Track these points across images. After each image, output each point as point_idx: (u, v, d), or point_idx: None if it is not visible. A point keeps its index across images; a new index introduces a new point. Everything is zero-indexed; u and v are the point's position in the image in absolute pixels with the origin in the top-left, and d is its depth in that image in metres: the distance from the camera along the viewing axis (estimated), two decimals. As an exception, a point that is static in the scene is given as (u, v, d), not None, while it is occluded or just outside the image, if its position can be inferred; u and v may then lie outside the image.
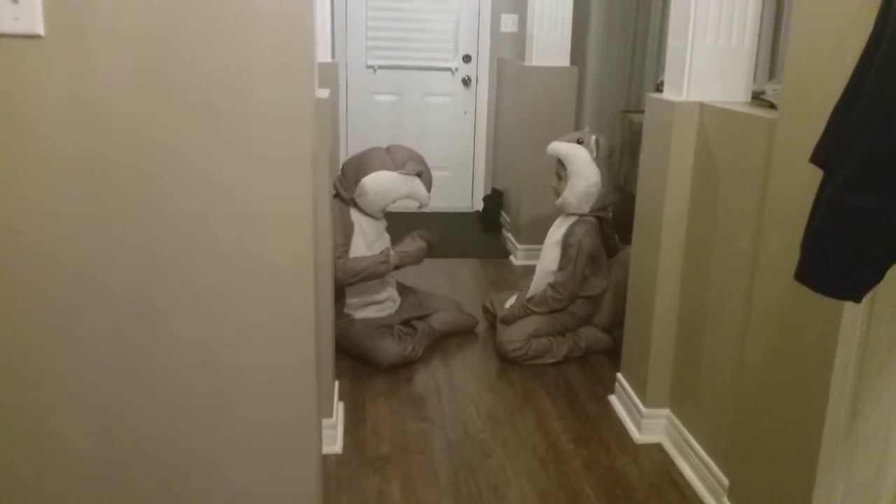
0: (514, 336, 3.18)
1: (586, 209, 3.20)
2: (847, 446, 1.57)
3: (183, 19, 1.36)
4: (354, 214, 3.16)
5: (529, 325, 3.20)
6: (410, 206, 3.27)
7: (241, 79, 1.41)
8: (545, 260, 3.28)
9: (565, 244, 3.18)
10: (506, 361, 3.18)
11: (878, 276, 1.21)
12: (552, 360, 3.17)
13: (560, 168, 3.25)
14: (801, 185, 1.63)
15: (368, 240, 3.18)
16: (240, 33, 1.39)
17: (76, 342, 1.48)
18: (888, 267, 1.21)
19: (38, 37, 1.32)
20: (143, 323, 1.48)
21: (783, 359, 1.79)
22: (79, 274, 1.45)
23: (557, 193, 3.26)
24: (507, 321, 3.26)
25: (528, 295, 3.28)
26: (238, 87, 1.41)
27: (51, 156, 1.39)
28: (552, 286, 3.18)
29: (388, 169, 3.12)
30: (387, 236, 3.30)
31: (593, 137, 3.18)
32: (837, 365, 1.57)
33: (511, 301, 3.37)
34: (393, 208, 3.24)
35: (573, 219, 3.22)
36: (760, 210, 1.94)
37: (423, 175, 3.21)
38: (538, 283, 3.28)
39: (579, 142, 3.20)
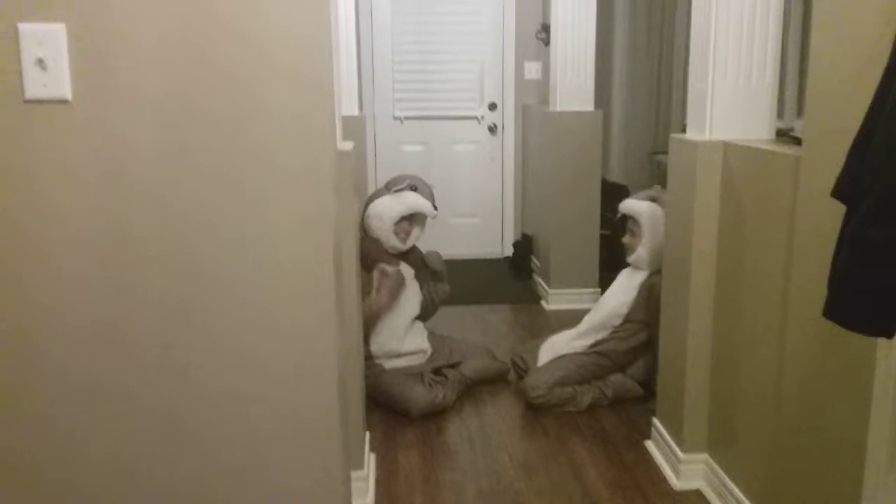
0: (538, 383, 3.14)
1: (658, 266, 3.13)
2: (889, 489, 1.51)
3: (202, 84, 1.39)
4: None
5: (557, 371, 3.16)
6: (429, 231, 3.33)
7: (262, 140, 1.43)
8: (613, 304, 3.25)
9: (651, 296, 3.11)
10: (529, 407, 3.14)
11: (907, 311, 1.18)
12: (573, 409, 3.12)
13: (633, 224, 3.26)
14: (828, 220, 1.61)
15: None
16: (259, 96, 1.41)
17: (98, 393, 1.49)
18: (918, 301, 1.18)
19: (65, 101, 1.37)
20: (167, 375, 1.50)
21: (819, 399, 1.74)
22: (103, 332, 1.47)
23: (631, 250, 3.26)
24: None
25: (592, 339, 3.24)
26: (259, 148, 1.43)
27: (74, 216, 1.42)
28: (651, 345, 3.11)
29: (382, 195, 3.24)
30: (416, 285, 3.31)
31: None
32: (875, 405, 1.52)
33: (550, 345, 3.33)
34: (419, 242, 3.30)
35: (646, 271, 3.22)
36: (789, 247, 1.91)
37: (420, 189, 3.23)
38: (604, 324, 3.25)
39: (653, 199, 3.22)
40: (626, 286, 3.26)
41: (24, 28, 1.33)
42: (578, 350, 3.23)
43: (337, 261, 1.57)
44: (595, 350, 3.21)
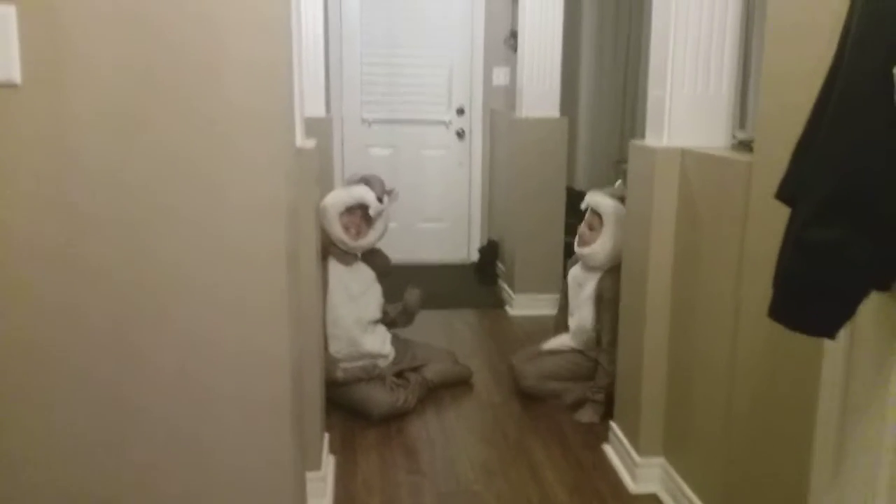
0: (529, 373, 3.24)
1: (609, 265, 3.14)
2: (835, 487, 1.54)
3: (159, 65, 1.39)
4: (332, 266, 3.16)
5: (550, 364, 3.24)
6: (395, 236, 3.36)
7: (218, 125, 1.43)
8: (580, 317, 3.25)
9: (600, 300, 3.13)
10: (490, 412, 3.18)
11: (848, 311, 1.21)
12: (562, 403, 3.19)
13: (595, 219, 3.18)
14: (778, 225, 1.62)
15: (352, 291, 3.17)
16: (215, 80, 1.41)
17: (51, 371, 1.48)
18: (858, 302, 1.20)
19: (14, 85, 1.35)
20: (121, 354, 1.49)
21: (769, 402, 1.77)
22: (55, 309, 1.46)
23: (585, 243, 3.19)
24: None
25: (580, 344, 3.27)
26: (214, 132, 1.43)
27: (28, 200, 1.40)
28: (605, 351, 3.09)
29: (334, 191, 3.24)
30: (377, 287, 3.29)
31: None
32: (821, 406, 1.54)
33: (552, 344, 3.37)
34: (385, 247, 3.30)
35: (598, 273, 3.19)
36: (741, 252, 1.94)
37: (371, 184, 3.18)
38: (577, 339, 3.27)
39: (622, 199, 3.06)
40: (586, 292, 3.24)
41: (-28, 11, 1.31)
42: (575, 347, 3.28)
43: (290, 251, 1.57)
44: (582, 352, 3.26)
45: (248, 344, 1.52)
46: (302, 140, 2.24)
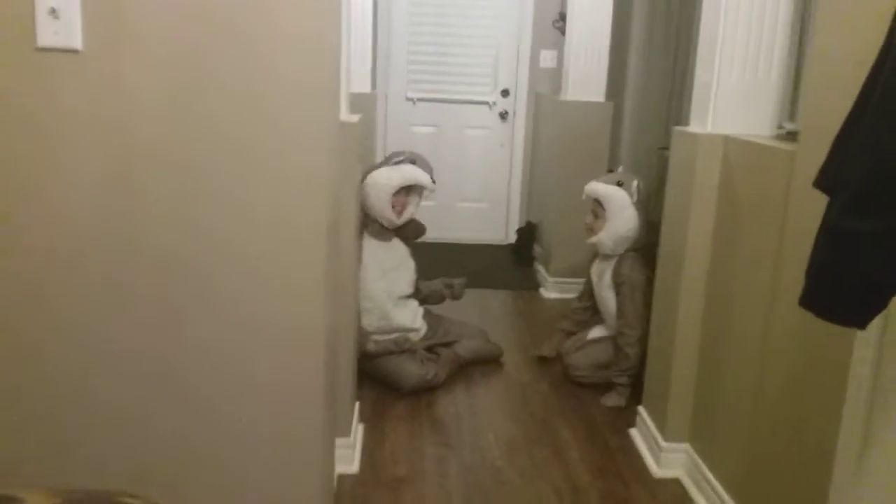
0: (580, 363, 3.26)
1: (620, 251, 3.19)
2: (858, 477, 1.54)
3: (211, 41, 1.43)
4: (367, 242, 3.21)
5: (600, 354, 3.25)
6: (428, 205, 3.39)
7: (265, 99, 1.47)
8: (607, 305, 3.28)
9: (617, 285, 3.17)
10: (519, 390, 3.20)
11: (881, 302, 1.20)
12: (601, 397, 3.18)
13: (597, 207, 3.24)
14: (818, 216, 1.62)
15: (385, 267, 3.22)
16: (265, 55, 1.45)
17: (98, 341, 1.54)
18: (891, 293, 1.20)
19: (75, 51, 1.40)
20: (163, 324, 1.54)
21: (798, 392, 1.77)
22: (103, 281, 1.52)
23: (592, 232, 3.25)
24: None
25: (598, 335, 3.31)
26: (261, 106, 1.47)
27: (80, 166, 1.46)
28: (622, 333, 3.12)
29: (380, 167, 3.23)
30: (411, 263, 3.32)
31: (634, 182, 3.19)
32: (849, 395, 1.54)
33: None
34: (426, 226, 3.35)
35: (614, 259, 3.22)
36: (780, 242, 1.93)
37: (419, 163, 3.22)
38: (610, 328, 3.30)
39: (619, 184, 3.19)
40: (605, 280, 3.26)
41: (39, -23, 1.37)
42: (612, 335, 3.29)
43: (331, 225, 1.61)
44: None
45: (286, 316, 1.56)
46: (347, 114, 2.28)
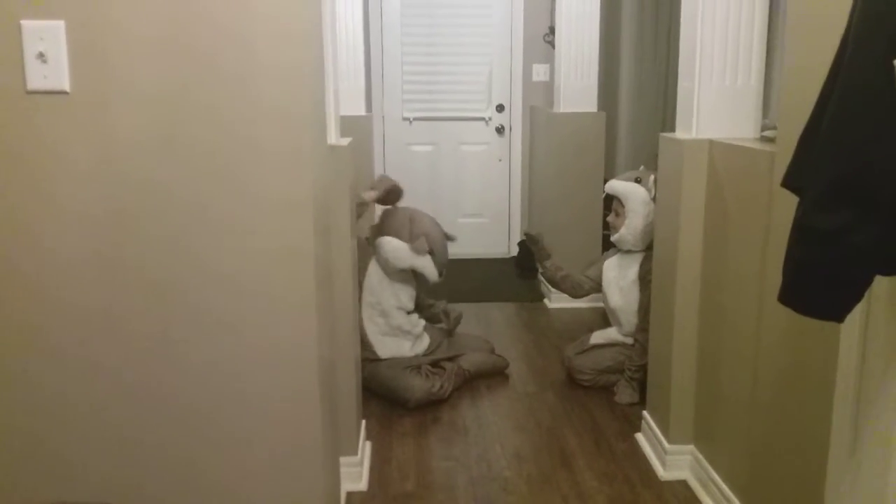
0: (585, 367, 3.30)
1: (642, 246, 3.27)
2: (851, 467, 1.56)
3: (193, 77, 1.48)
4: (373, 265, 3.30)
5: (605, 360, 3.29)
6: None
7: (247, 128, 1.51)
8: (625, 303, 3.30)
9: (646, 281, 3.17)
10: (524, 401, 3.24)
11: (854, 295, 1.23)
12: (618, 401, 3.21)
13: (618, 205, 3.34)
14: (796, 213, 1.66)
15: (393, 278, 3.29)
16: (249, 88, 1.49)
17: (90, 366, 1.58)
18: (864, 286, 1.23)
19: (64, 93, 1.46)
20: (157, 349, 1.58)
21: (790, 389, 1.79)
22: (98, 315, 1.56)
23: (615, 229, 3.34)
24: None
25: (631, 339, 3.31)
26: (244, 135, 1.51)
27: (70, 203, 1.51)
28: (644, 330, 3.11)
29: (403, 239, 3.23)
30: (410, 278, 3.36)
31: (651, 177, 3.24)
32: (838, 389, 1.57)
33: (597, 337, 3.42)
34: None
35: (639, 255, 3.28)
36: (766, 242, 1.96)
37: (435, 254, 3.26)
38: (625, 328, 3.32)
39: (637, 180, 3.29)
40: (629, 277, 3.30)
41: (27, 24, 1.43)
42: (621, 341, 3.33)
43: (319, 245, 1.65)
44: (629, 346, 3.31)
45: (276, 336, 1.59)
46: (336, 138, 2.33)
